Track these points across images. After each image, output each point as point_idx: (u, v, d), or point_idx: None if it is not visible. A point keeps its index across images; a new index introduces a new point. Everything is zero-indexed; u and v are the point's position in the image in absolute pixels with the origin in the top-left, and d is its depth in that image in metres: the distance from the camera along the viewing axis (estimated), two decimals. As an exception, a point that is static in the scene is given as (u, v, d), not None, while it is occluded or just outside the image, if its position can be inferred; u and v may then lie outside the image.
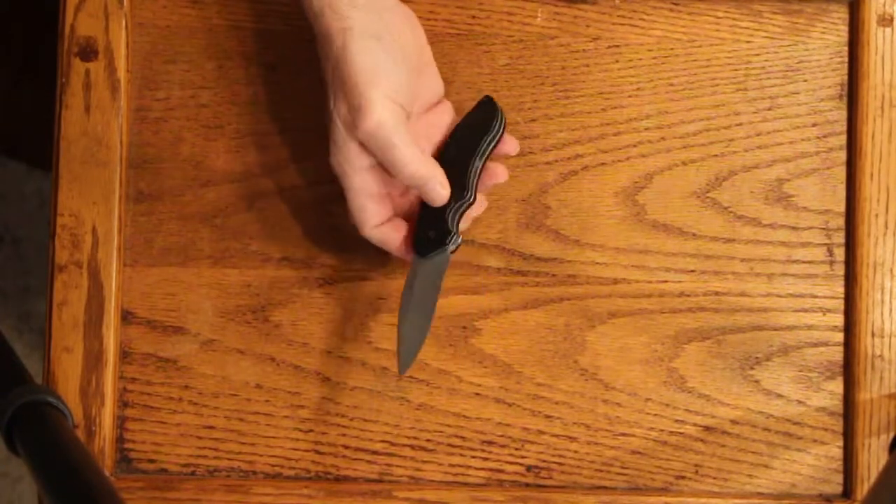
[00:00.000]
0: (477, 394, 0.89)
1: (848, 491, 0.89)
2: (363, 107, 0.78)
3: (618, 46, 0.90)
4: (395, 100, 0.79)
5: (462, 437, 0.89)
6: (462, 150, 0.84)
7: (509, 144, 0.86)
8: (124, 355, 0.89)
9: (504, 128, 0.85)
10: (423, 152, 0.82)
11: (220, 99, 0.90)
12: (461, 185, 0.84)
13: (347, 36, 0.78)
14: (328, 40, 0.79)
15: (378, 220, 0.83)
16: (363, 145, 0.80)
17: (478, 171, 0.84)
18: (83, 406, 0.87)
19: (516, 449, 0.89)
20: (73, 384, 0.87)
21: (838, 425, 0.90)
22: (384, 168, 0.82)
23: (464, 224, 0.85)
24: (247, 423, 0.89)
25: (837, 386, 0.90)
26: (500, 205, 0.89)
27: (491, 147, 0.85)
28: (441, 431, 0.89)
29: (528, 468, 0.89)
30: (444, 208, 0.84)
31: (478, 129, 0.85)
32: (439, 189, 0.83)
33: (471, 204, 0.84)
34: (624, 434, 0.89)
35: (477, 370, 0.89)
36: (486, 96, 0.86)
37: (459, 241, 0.84)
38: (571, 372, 0.89)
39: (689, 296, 0.89)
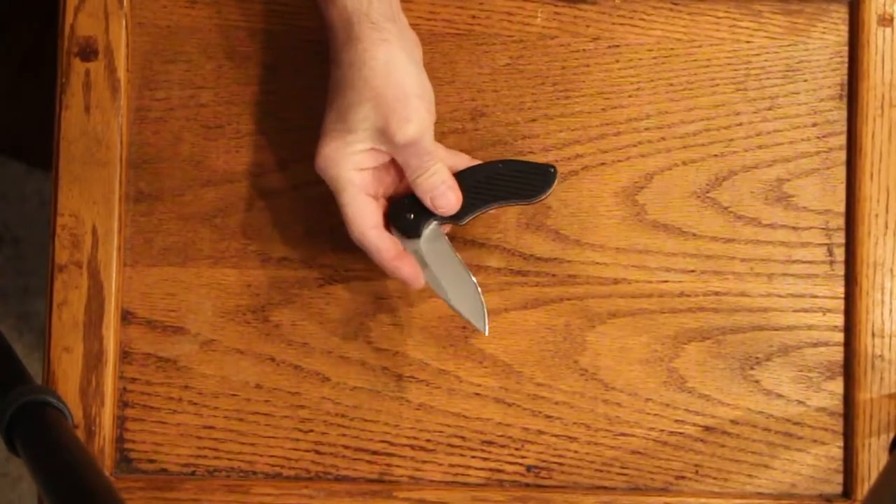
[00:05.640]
0: (477, 394, 0.89)
1: (848, 491, 0.89)
2: (409, 118, 0.80)
3: (618, 46, 0.90)
4: (431, 113, 0.82)
5: (462, 437, 0.89)
6: (495, 192, 0.84)
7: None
8: (124, 355, 0.89)
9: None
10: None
11: (220, 99, 0.90)
12: (467, 211, 0.84)
13: (387, 48, 0.80)
14: (354, 43, 0.80)
15: (378, 221, 0.83)
16: (377, 150, 0.82)
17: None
18: (83, 406, 0.87)
19: (516, 449, 0.89)
20: (73, 384, 0.87)
21: (838, 425, 0.90)
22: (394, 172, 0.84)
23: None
24: (247, 423, 0.89)
25: (837, 386, 0.90)
26: (500, 205, 0.89)
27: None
28: (441, 431, 0.89)
29: (528, 468, 0.89)
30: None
31: (522, 191, 0.85)
32: (451, 196, 0.83)
33: (456, 225, 0.85)
34: (624, 434, 0.89)
35: (477, 370, 0.89)
36: (554, 170, 0.85)
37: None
38: (571, 372, 0.89)
39: (689, 296, 0.89)
